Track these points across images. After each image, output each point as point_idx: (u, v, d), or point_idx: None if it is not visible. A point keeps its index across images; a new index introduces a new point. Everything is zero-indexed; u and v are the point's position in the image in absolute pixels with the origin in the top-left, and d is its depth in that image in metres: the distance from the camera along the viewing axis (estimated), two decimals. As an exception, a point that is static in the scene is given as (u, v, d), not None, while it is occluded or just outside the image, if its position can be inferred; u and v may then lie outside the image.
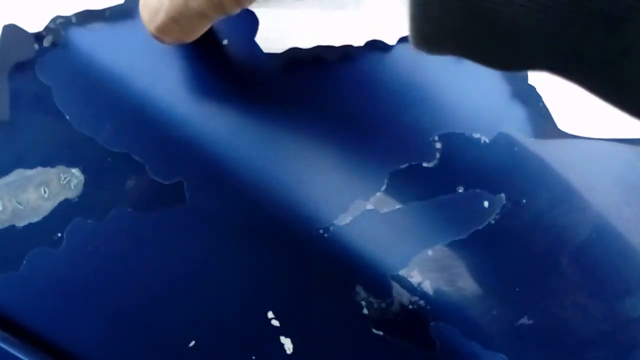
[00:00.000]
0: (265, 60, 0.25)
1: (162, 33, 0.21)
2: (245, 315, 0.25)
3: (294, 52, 0.25)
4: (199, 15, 0.20)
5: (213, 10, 0.20)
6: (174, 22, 0.20)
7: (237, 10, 0.20)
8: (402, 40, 0.26)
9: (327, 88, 0.25)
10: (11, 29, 0.25)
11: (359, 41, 0.26)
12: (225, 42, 0.25)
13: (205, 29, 0.21)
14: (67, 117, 0.25)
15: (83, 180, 0.25)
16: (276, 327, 0.24)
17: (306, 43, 0.26)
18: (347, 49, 0.26)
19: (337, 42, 0.26)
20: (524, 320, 0.24)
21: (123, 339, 0.25)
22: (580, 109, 0.27)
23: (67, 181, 0.25)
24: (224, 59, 0.25)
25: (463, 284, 0.24)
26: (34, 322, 0.25)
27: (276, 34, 0.26)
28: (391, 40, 0.26)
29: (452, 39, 0.14)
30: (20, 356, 0.24)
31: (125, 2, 0.26)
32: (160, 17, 0.21)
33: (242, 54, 0.26)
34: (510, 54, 0.14)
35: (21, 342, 0.24)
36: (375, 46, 0.26)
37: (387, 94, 0.26)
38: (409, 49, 0.26)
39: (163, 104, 0.25)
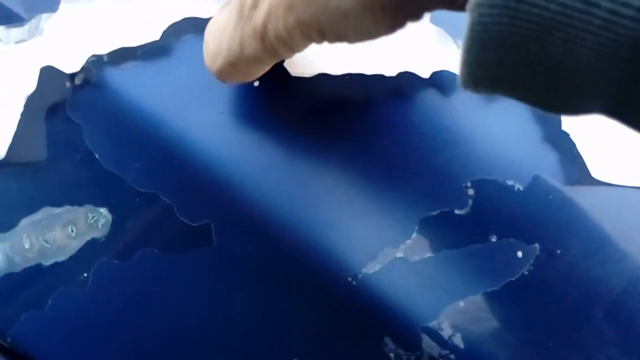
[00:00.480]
0: (293, 86, 0.25)
1: (222, 76, 0.22)
2: (270, 361, 0.24)
3: (323, 77, 0.25)
4: (254, 60, 0.20)
5: (267, 56, 0.20)
6: (232, 67, 0.21)
7: (291, 55, 0.20)
8: (435, 74, 0.26)
9: (357, 130, 0.25)
10: (48, 70, 0.26)
11: (391, 72, 0.26)
12: (256, 83, 0.25)
13: (263, 71, 0.22)
14: (97, 155, 0.25)
15: (111, 220, 0.25)
16: (301, 374, 0.24)
17: (336, 72, 0.26)
18: (378, 79, 0.26)
19: (368, 72, 0.26)
20: (558, 376, 0.24)
21: (146, 382, 0.25)
22: (615, 156, 0.26)
23: (95, 220, 0.25)
24: (255, 101, 0.25)
25: (495, 337, 0.23)
26: (57, 362, 0.25)
27: (305, 61, 0.26)
28: (424, 73, 0.26)
29: (506, 85, 0.14)
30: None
31: (160, 39, 0.26)
32: (219, 62, 0.21)
33: (273, 88, 0.25)
34: (568, 100, 0.14)
35: (44, 384, 0.24)
36: (407, 79, 0.26)
37: (417, 137, 0.25)
38: (439, 92, 0.26)
39: (194, 145, 0.25)
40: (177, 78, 0.25)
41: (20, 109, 0.26)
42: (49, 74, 0.25)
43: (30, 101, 0.26)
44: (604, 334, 0.24)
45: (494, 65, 0.14)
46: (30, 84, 0.26)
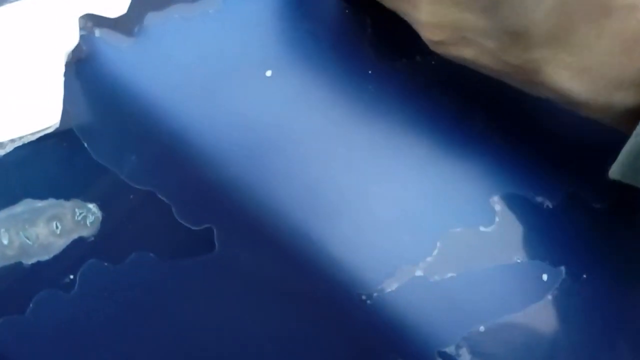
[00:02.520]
0: (311, 78, 0.23)
1: None
2: (272, 379, 0.22)
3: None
4: None
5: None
6: None
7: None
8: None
9: (379, 137, 0.23)
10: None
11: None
12: (268, 73, 0.23)
13: None
14: (85, 144, 0.23)
15: (101, 218, 0.23)
16: (305, 394, 0.22)
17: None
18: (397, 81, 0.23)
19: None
20: (577, 408, 0.23)
21: (136, 394, 0.23)
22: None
23: (83, 217, 0.23)
24: (268, 95, 0.22)
25: (515, 366, 0.22)
26: (38, 370, 0.23)
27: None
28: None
29: None
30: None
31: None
32: None
33: (288, 80, 0.23)
34: None
35: (24, 394, 0.22)
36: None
37: (442, 145, 0.23)
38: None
39: (198, 140, 0.22)
40: (183, 64, 0.22)
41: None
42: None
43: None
44: (625, 365, 0.23)
45: None
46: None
